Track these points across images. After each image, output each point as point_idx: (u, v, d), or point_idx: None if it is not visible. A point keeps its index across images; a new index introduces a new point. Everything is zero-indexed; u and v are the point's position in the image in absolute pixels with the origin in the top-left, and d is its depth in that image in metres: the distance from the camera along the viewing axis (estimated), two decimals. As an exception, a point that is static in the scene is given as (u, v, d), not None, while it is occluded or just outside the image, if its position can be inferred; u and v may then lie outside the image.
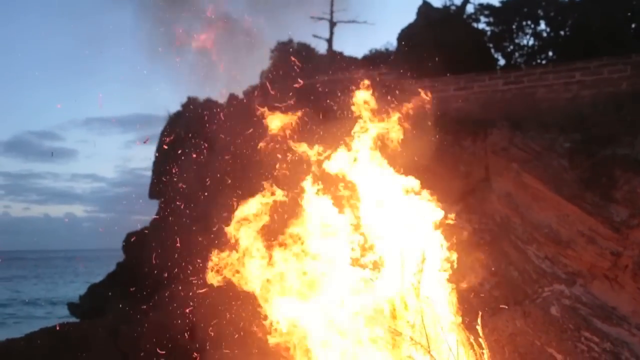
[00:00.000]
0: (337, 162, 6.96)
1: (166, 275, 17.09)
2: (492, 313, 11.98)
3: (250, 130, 8.01)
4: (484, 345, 6.51)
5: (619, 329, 11.55)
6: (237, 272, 7.00)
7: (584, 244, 12.66)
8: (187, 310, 14.38)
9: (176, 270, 17.27)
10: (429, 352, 6.16)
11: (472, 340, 6.53)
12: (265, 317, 6.67)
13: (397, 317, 6.59)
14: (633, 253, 12.04)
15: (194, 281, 15.77)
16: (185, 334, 13.95)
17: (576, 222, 12.95)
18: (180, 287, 16.73)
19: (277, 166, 7.10)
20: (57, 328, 16.46)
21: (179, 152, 19.73)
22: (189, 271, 16.72)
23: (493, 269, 13.55)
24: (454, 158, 14.50)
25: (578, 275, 12.68)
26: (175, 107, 24.14)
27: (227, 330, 13.45)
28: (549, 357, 10.78)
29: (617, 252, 12.26)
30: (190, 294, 15.63)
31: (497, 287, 13.29)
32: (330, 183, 6.95)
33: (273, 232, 7.02)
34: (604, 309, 11.94)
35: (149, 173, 25.17)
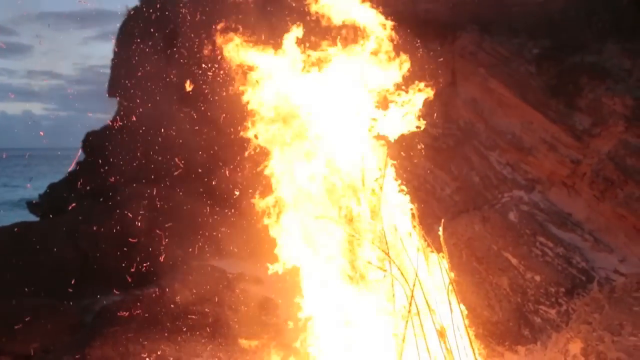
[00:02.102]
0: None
1: (127, 174, 16.86)
2: (452, 217, 12.17)
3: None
4: (443, 249, 6.56)
5: (573, 234, 11.86)
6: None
7: (546, 151, 12.74)
8: (146, 211, 14.31)
9: (137, 169, 17.05)
10: (388, 254, 6.17)
11: (430, 244, 6.56)
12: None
13: (357, 221, 6.55)
14: (592, 161, 12.18)
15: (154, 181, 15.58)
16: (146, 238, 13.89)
17: (539, 130, 12.97)
18: (141, 187, 16.57)
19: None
20: (16, 228, 16.26)
21: (138, 48, 18.98)
22: (150, 170, 16.52)
23: (455, 173, 13.65)
24: (420, 61, 14.17)
25: (537, 182, 12.85)
26: (133, 1, 22.95)
27: (188, 230, 13.49)
28: (505, 261, 11.07)
29: (577, 160, 12.39)
30: (150, 192, 15.51)
31: (457, 192, 13.43)
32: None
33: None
34: (560, 215, 12.20)
35: (109, 71, 24.31)
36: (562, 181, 12.63)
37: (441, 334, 6.07)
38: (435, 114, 13.92)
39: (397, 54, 7.19)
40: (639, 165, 11.65)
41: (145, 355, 10.17)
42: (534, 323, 10.25)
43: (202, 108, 15.98)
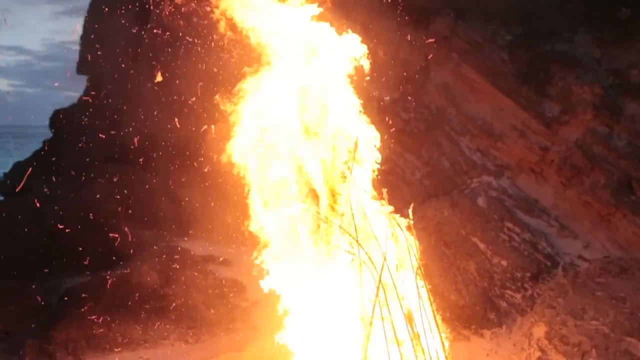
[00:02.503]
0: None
1: (95, 153, 16.58)
2: (421, 202, 12.22)
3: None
4: (412, 233, 6.56)
5: (539, 220, 12.03)
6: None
7: (515, 137, 12.85)
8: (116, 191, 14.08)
9: (105, 149, 16.76)
10: (356, 238, 6.14)
11: (402, 228, 6.55)
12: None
13: (327, 205, 6.51)
14: (560, 148, 12.33)
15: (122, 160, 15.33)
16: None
17: (510, 116, 13.07)
18: (109, 167, 16.31)
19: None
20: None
21: (109, 25, 18.58)
22: (118, 150, 16.26)
23: (425, 158, 13.69)
24: (394, 45, 14.14)
25: (506, 168, 12.97)
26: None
27: (156, 211, 13.33)
28: (472, 246, 11.17)
29: (546, 147, 12.53)
30: (119, 172, 15.29)
31: (427, 177, 13.49)
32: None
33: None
34: (528, 201, 12.35)
35: (78, 47, 23.76)
36: (531, 168, 12.77)
37: (408, 318, 6.08)
38: (409, 98, 13.93)
39: (373, 36, 7.09)
40: (605, 153, 11.84)
41: (111, 338, 10.06)
42: (500, 307, 10.39)
43: (174, 87, 15.73)
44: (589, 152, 11.92)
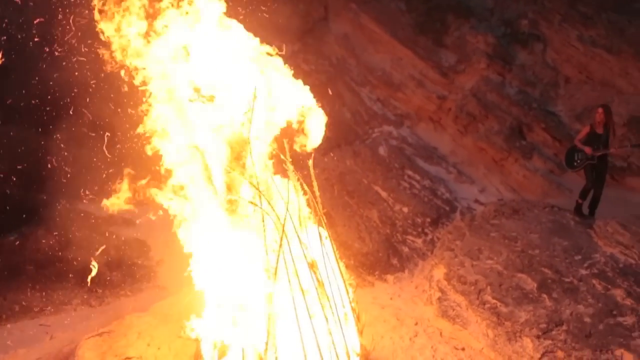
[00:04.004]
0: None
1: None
2: (324, 153, 12.30)
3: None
4: (314, 184, 6.58)
5: (438, 167, 12.44)
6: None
7: (414, 87, 13.11)
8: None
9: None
10: (258, 188, 6.10)
11: (301, 180, 6.56)
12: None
13: (229, 158, 6.40)
14: (456, 97, 12.71)
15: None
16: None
17: (408, 66, 13.30)
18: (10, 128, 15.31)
19: None
20: None
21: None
22: (4, 111, 15.23)
23: (327, 109, 13.72)
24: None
25: (406, 117, 13.25)
26: None
27: (51, 172, 12.68)
28: (375, 194, 11.42)
29: (443, 96, 12.88)
30: (5, 134, 14.36)
31: (329, 128, 13.53)
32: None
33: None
34: (427, 149, 12.72)
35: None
36: (429, 116, 13.11)
37: (312, 267, 6.15)
38: (308, 50, 13.82)
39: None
40: (498, 100, 12.33)
41: (7, 307, 9.62)
42: (402, 252, 10.74)
43: (61, 43, 14.79)
44: (483, 100, 12.38)
